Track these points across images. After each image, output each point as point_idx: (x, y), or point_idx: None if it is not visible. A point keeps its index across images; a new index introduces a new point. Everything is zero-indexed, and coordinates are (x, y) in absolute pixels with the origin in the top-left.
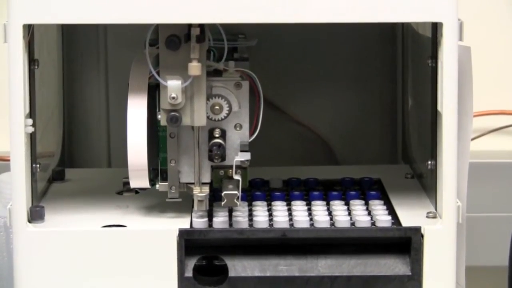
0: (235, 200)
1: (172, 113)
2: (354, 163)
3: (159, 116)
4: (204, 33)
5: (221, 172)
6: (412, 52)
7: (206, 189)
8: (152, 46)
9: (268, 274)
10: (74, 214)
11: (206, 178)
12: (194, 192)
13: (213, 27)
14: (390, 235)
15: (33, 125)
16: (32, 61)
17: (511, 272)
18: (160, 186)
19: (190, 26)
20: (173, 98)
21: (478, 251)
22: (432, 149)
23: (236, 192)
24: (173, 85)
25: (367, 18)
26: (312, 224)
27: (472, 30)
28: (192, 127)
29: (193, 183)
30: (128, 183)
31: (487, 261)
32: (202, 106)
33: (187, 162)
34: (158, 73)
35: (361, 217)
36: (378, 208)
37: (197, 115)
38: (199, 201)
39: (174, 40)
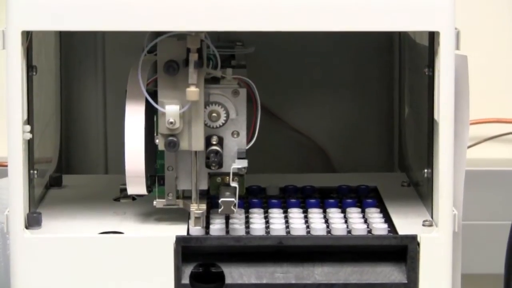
0: (232, 207)
1: (170, 138)
2: (351, 170)
3: (157, 141)
4: (202, 58)
5: (218, 179)
6: (409, 60)
7: (203, 206)
8: (150, 53)
9: (264, 282)
10: (71, 220)
11: (203, 185)
12: (191, 209)
13: (211, 34)
14: (386, 243)
15: (31, 131)
16: (30, 68)
17: (507, 280)
18: (157, 203)
19: (188, 51)
20: (171, 123)
21: (474, 259)
22: (428, 157)
23: (233, 199)
24: (171, 110)
25: (365, 27)
26: (308, 232)
27: (469, 38)
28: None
29: (190, 197)
30: (125, 189)
31: (483, 269)
32: (200, 131)
33: (185, 169)
34: (155, 82)
35: (357, 225)
36: (375, 216)
37: (195, 140)
38: (196, 218)
39: (172, 65)
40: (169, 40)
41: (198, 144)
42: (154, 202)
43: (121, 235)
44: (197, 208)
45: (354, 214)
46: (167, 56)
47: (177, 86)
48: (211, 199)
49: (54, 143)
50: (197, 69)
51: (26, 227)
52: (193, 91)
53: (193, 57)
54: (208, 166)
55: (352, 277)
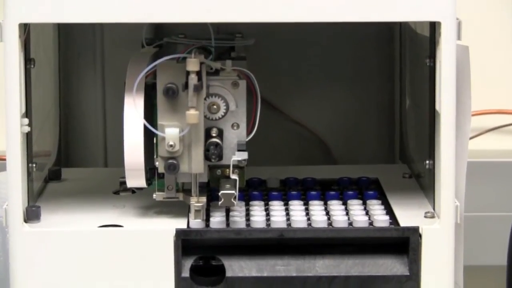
0: (232, 200)
1: (170, 161)
2: (352, 162)
3: (157, 163)
4: (202, 81)
5: (218, 171)
6: (410, 51)
7: (203, 199)
8: (149, 45)
9: (265, 275)
10: (71, 214)
11: (203, 177)
12: (191, 202)
13: (209, 26)
14: (388, 235)
15: (29, 124)
16: (28, 60)
17: (510, 272)
18: (157, 195)
19: (187, 74)
20: (171, 146)
21: (477, 251)
22: (430, 148)
23: (233, 191)
24: (171, 133)
25: (365, 18)
26: (309, 224)
27: (470, 29)
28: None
29: (189, 190)
30: (124, 182)
31: (486, 260)
32: (200, 153)
33: None
34: (154, 74)
35: (358, 217)
36: (376, 208)
37: (195, 162)
38: (196, 210)
39: (172, 88)
40: (168, 63)
41: (198, 166)
42: (154, 195)
43: (121, 228)
44: (197, 201)
45: (355, 206)
46: (167, 79)
47: (177, 109)
48: (211, 191)
49: (53, 136)
50: (196, 92)
51: (25, 221)
52: (192, 114)
53: (193, 80)
54: (208, 158)
55: (354, 270)
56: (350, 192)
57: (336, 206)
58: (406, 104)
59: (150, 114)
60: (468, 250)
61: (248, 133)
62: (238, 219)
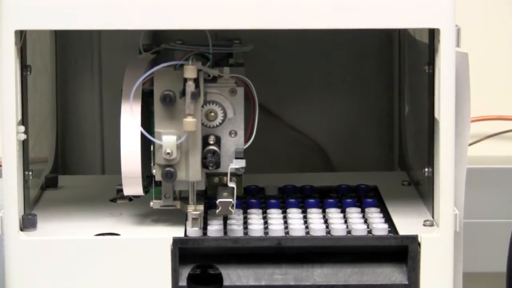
0: (229, 208)
1: (167, 169)
2: (351, 169)
3: (154, 171)
4: (199, 88)
5: (216, 179)
6: (409, 58)
7: (201, 207)
8: (147, 51)
9: (263, 283)
10: (67, 222)
11: (201, 185)
12: (188, 210)
13: (208, 32)
14: (386, 243)
15: (26, 132)
16: (24, 67)
17: (510, 279)
18: (154, 204)
19: (185, 81)
20: (168, 153)
21: (476, 257)
22: (429, 156)
23: (230, 199)
24: (168, 141)
25: (364, 24)
26: (307, 232)
27: (469, 36)
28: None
29: (187, 198)
30: (121, 190)
31: (485, 267)
32: (197, 161)
33: None
34: (151, 81)
35: (357, 225)
36: (375, 216)
37: (192, 170)
38: (193, 219)
39: (169, 96)
40: (165, 70)
41: (196, 174)
42: (151, 203)
43: (118, 237)
44: (194, 209)
45: (354, 214)
46: (164, 87)
47: (174, 116)
48: (208, 199)
49: (50, 143)
50: (194, 99)
51: (21, 229)
52: (190, 122)
53: (190, 87)
54: (205, 166)
55: (352, 278)
56: (349, 200)
57: (334, 214)
58: (405, 111)
59: (147, 121)
60: (468, 256)
61: (246, 140)
62: (236, 227)
